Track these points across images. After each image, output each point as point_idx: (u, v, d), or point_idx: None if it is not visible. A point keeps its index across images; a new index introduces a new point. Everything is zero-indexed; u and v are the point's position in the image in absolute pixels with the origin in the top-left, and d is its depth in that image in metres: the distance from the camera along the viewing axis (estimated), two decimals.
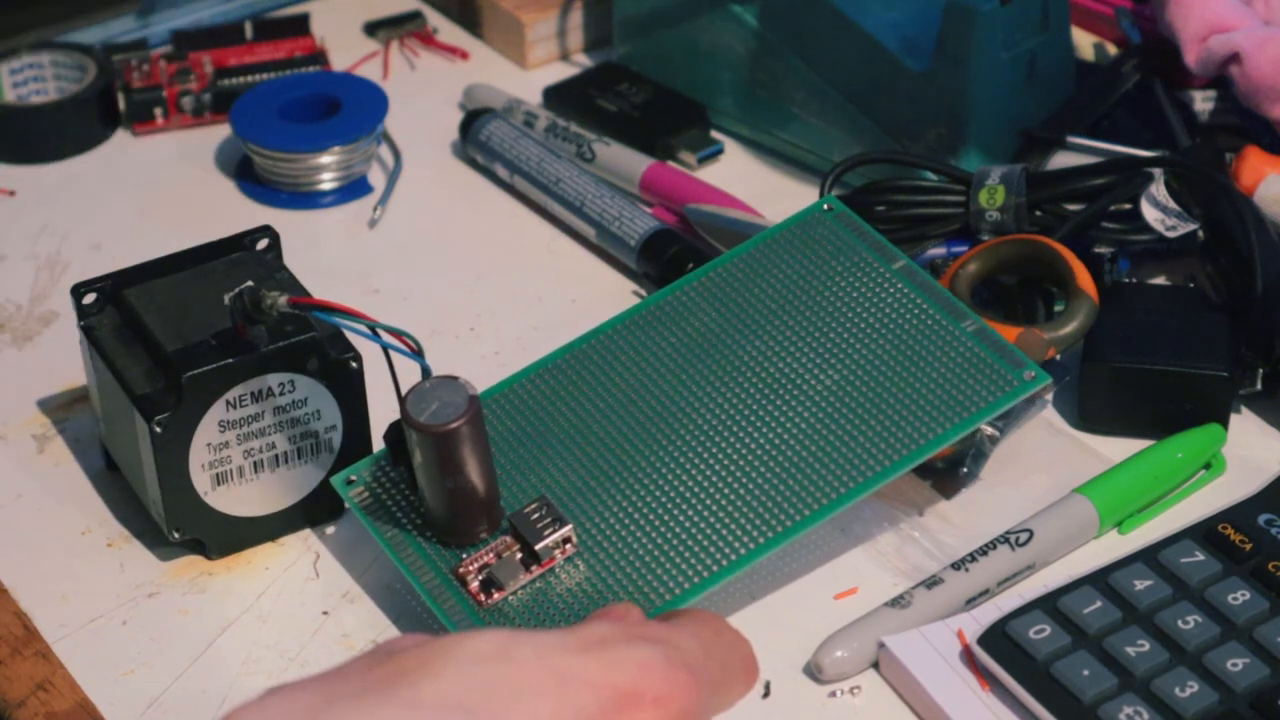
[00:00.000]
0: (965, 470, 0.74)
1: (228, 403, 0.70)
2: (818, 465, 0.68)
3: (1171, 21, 0.87)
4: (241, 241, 0.75)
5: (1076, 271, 0.78)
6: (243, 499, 0.72)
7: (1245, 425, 0.78)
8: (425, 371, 0.67)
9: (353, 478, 0.71)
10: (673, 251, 0.85)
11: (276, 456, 0.72)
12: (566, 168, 0.90)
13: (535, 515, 0.68)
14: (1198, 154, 0.86)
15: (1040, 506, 0.73)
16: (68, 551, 0.74)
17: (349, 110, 0.93)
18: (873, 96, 0.89)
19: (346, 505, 0.72)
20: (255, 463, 0.72)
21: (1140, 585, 0.69)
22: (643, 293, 0.86)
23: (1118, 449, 0.76)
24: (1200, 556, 0.70)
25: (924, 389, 0.70)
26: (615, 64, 1.00)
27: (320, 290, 0.75)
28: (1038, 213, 0.83)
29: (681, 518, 0.68)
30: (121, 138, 0.97)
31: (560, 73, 1.00)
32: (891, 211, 0.84)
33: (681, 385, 0.72)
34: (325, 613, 0.71)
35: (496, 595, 0.67)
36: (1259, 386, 0.77)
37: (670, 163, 0.93)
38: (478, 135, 0.94)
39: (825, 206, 0.77)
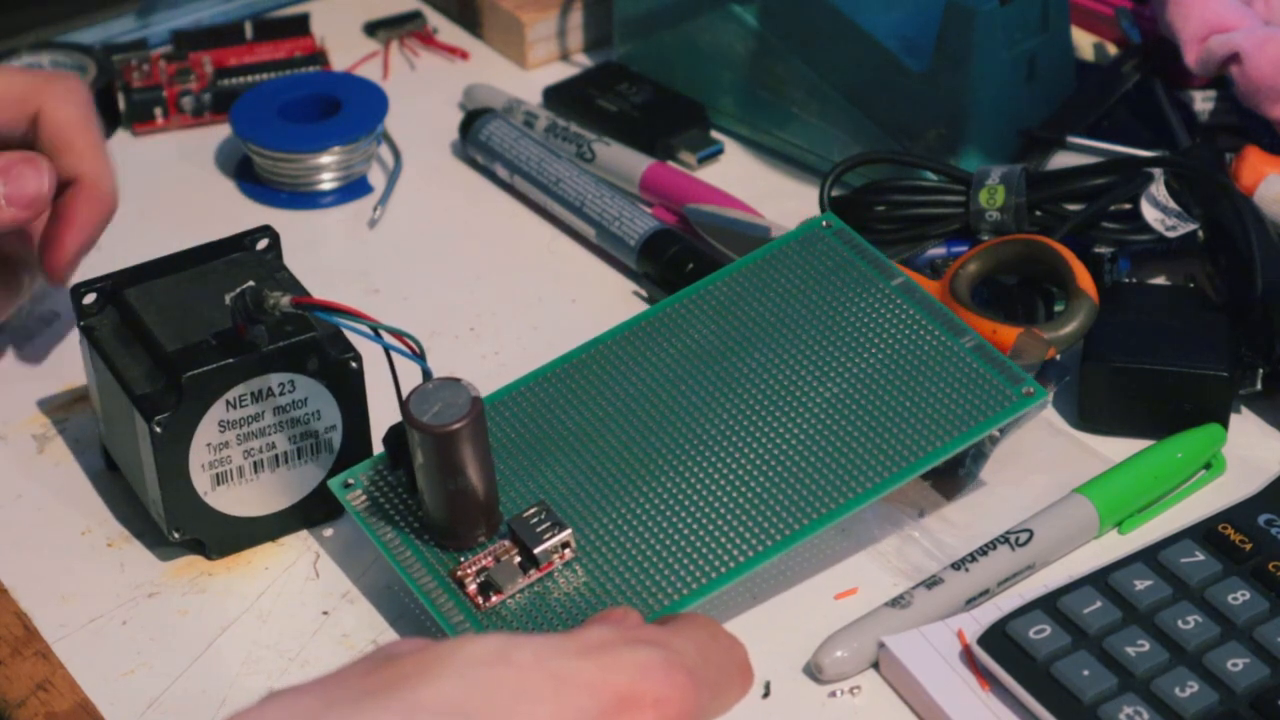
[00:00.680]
0: (965, 470, 0.74)
1: (228, 403, 0.70)
2: (816, 476, 0.68)
3: (1171, 21, 0.87)
4: (241, 241, 0.75)
5: (1076, 271, 0.78)
6: (243, 499, 0.72)
7: (1245, 425, 0.78)
8: (426, 374, 0.66)
9: (350, 481, 0.71)
10: (673, 251, 0.85)
11: (276, 456, 0.72)
12: (566, 168, 0.90)
13: (534, 519, 0.68)
14: (1198, 154, 0.86)
15: (1040, 506, 0.73)
16: (68, 551, 0.74)
17: (349, 110, 0.93)
18: (873, 96, 0.89)
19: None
20: (255, 463, 0.72)
21: (1140, 585, 0.69)
22: (643, 293, 0.86)
23: (1118, 449, 0.76)
24: (1200, 556, 0.70)
25: (922, 403, 0.70)
26: (615, 64, 1.00)
27: (320, 290, 0.75)
28: (1038, 213, 0.83)
29: (680, 524, 0.68)
30: (121, 138, 0.97)
31: (560, 73, 1.00)
32: (891, 211, 0.84)
33: (682, 395, 0.72)
34: (325, 613, 0.71)
35: (495, 598, 0.67)
36: (1259, 386, 0.77)
37: (670, 163, 0.93)
38: (478, 135, 0.94)
39: (824, 223, 0.77)
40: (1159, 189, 0.81)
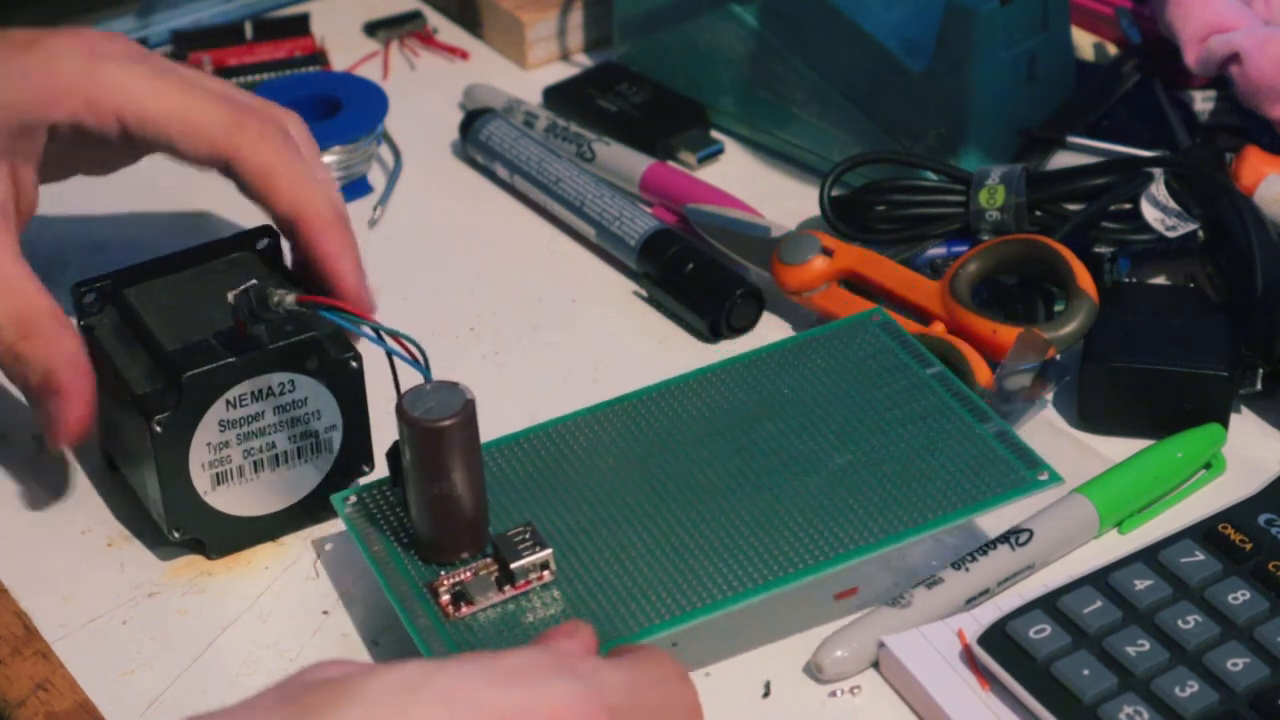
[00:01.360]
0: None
1: (228, 402, 0.70)
2: (809, 530, 0.68)
3: (1171, 21, 0.87)
4: (241, 241, 0.75)
5: (1076, 271, 0.78)
6: (243, 499, 0.72)
7: (1245, 425, 0.78)
8: (427, 379, 0.66)
9: (352, 498, 0.71)
10: (673, 251, 0.85)
11: (276, 456, 0.72)
12: (566, 168, 0.90)
13: (517, 537, 0.67)
14: (1198, 154, 0.86)
15: (1040, 506, 0.73)
16: (68, 551, 0.74)
17: (349, 110, 0.93)
18: (873, 96, 0.89)
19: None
20: (255, 462, 0.72)
21: (1140, 585, 0.69)
22: (643, 293, 0.86)
23: (1118, 449, 0.76)
24: (1200, 556, 0.70)
25: (932, 476, 0.70)
26: (615, 64, 1.00)
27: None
28: (1038, 213, 0.83)
29: (664, 560, 0.68)
30: None
31: (560, 73, 1.00)
32: (891, 211, 0.84)
33: (695, 454, 0.72)
34: (325, 612, 0.71)
35: (465, 609, 0.66)
36: (1259, 386, 0.77)
37: (670, 163, 0.93)
38: (478, 135, 0.94)
39: (874, 316, 0.77)
40: (1159, 189, 0.81)
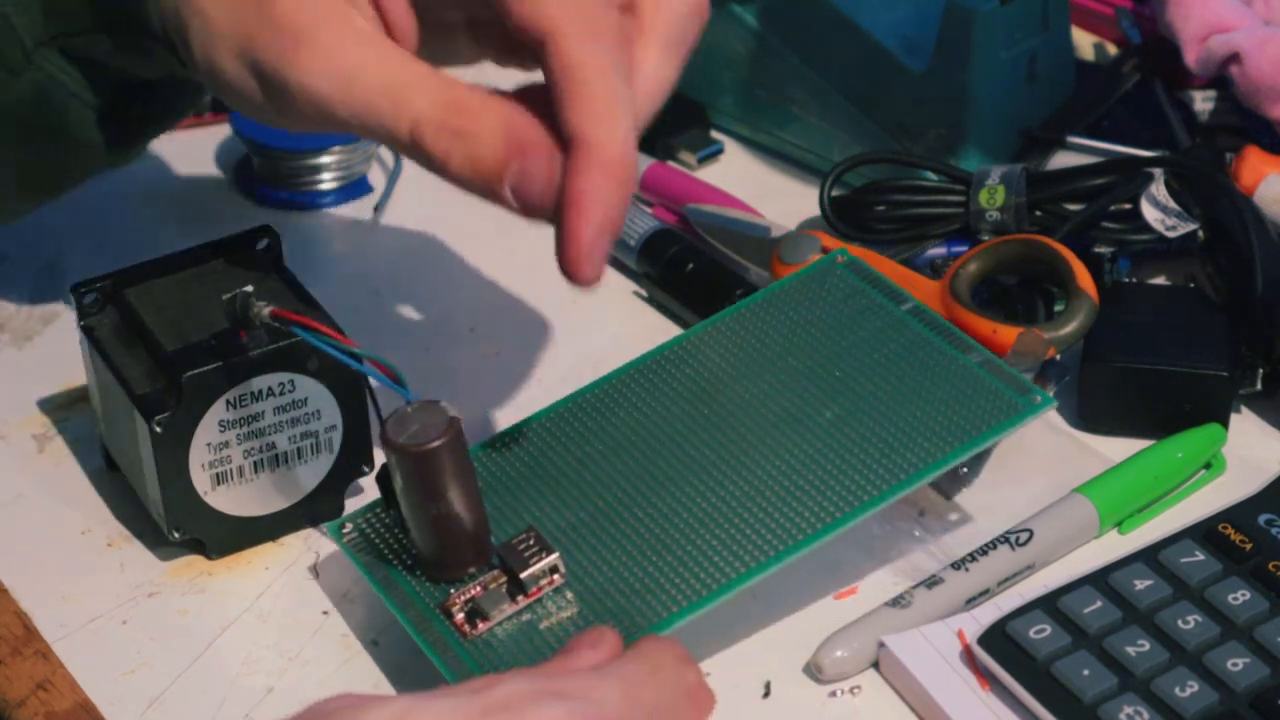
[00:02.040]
0: (965, 470, 0.74)
1: (228, 402, 0.70)
2: (813, 492, 0.68)
3: (1171, 21, 0.87)
4: (241, 241, 0.75)
5: (1076, 271, 0.78)
6: (243, 499, 0.72)
7: (1245, 425, 0.78)
8: (408, 401, 0.66)
9: (348, 526, 0.71)
10: (673, 251, 0.85)
11: (276, 456, 0.72)
12: None
13: (522, 545, 0.67)
14: (1198, 154, 0.86)
15: (1040, 506, 0.73)
16: (68, 551, 0.74)
17: None
18: (873, 96, 0.89)
19: (347, 514, 0.72)
20: (255, 463, 0.72)
21: (1140, 585, 0.69)
22: (643, 293, 0.86)
23: (1118, 449, 0.76)
24: (1200, 556, 0.70)
25: (926, 416, 0.69)
26: None
27: (320, 291, 0.75)
28: (1038, 213, 0.83)
29: (673, 545, 0.67)
30: None
31: None
32: (891, 211, 0.84)
33: (684, 428, 0.72)
34: (325, 613, 0.71)
35: (481, 626, 0.66)
36: (1259, 386, 0.77)
37: (670, 163, 0.93)
38: None
39: (838, 258, 0.77)
40: (1159, 189, 0.81)
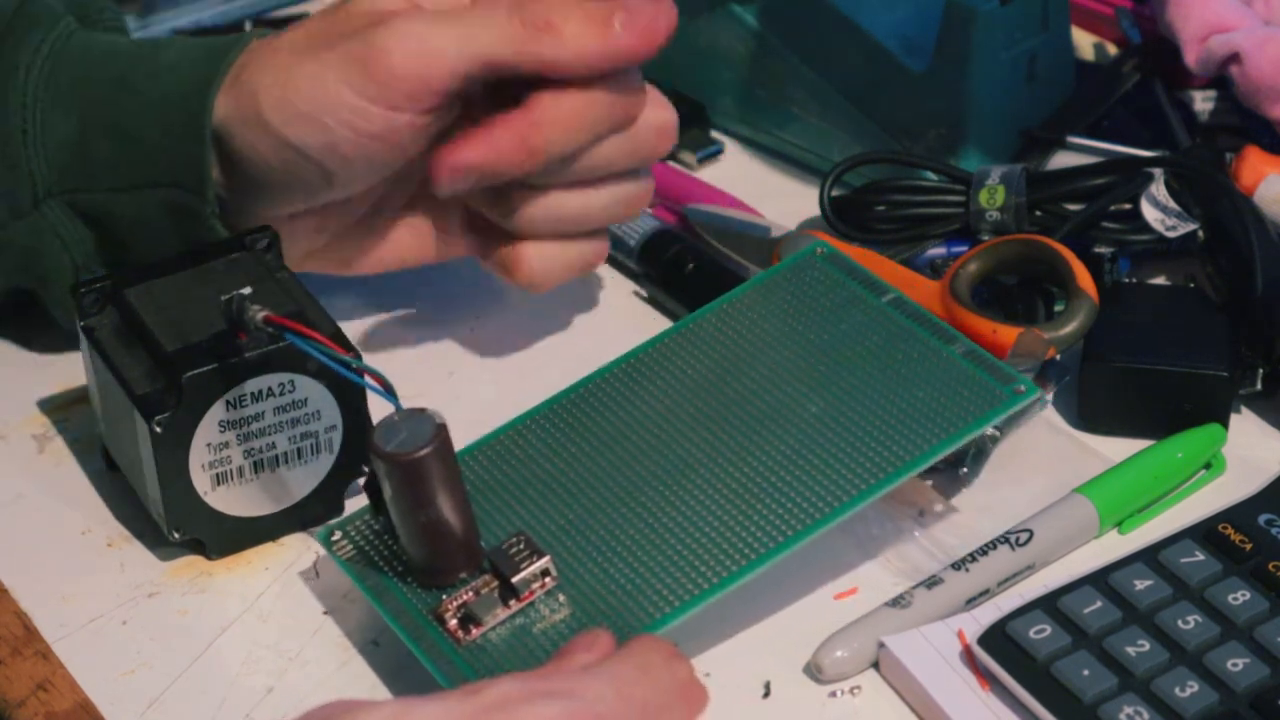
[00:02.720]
0: (965, 470, 0.74)
1: (228, 403, 0.70)
2: (801, 488, 0.68)
3: (1171, 21, 0.87)
4: (241, 241, 0.75)
5: (1076, 271, 0.78)
6: (243, 499, 0.72)
7: (1245, 425, 0.78)
8: (398, 409, 0.66)
9: (336, 534, 0.71)
10: (673, 251, 0.85)
11: (276, 456, 0.72)
12: None
13: (513, 549, 0.67)
14: (1198, 154, 0.86)
15: (1040, 506, 0.73)
16: (68, 551, 0.74)
17: None
18: (873, 96, 0.89)
19: (344, 516, 0.72)
20: (255, 463, 0.72)
21: (1140, 585, 0.69)
22: (643, 293, 0.86)
23: (1118, 449, 0.76)
24: (1200, 556, 0.70)
25: (913, 408, 0.69)
26: None
27: (320, 291, 0.75)
28: (1038, 213, 0.83)
29: (663, 544, 0.67)
30: None
31: None
32: (891, 211, 0.84)
33: (669, 425, 0.72)
34: (326, 613, 0.71)
35: (475, 631, 0.66)
36: (1259, 386, 0.77)
37: (670, 163, 0.93)
38: None
39: (817, 250, 0.77)
40: (1159, 189, 0.81)
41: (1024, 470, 0.76)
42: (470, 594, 0.67)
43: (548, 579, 0.67)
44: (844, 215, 0.85)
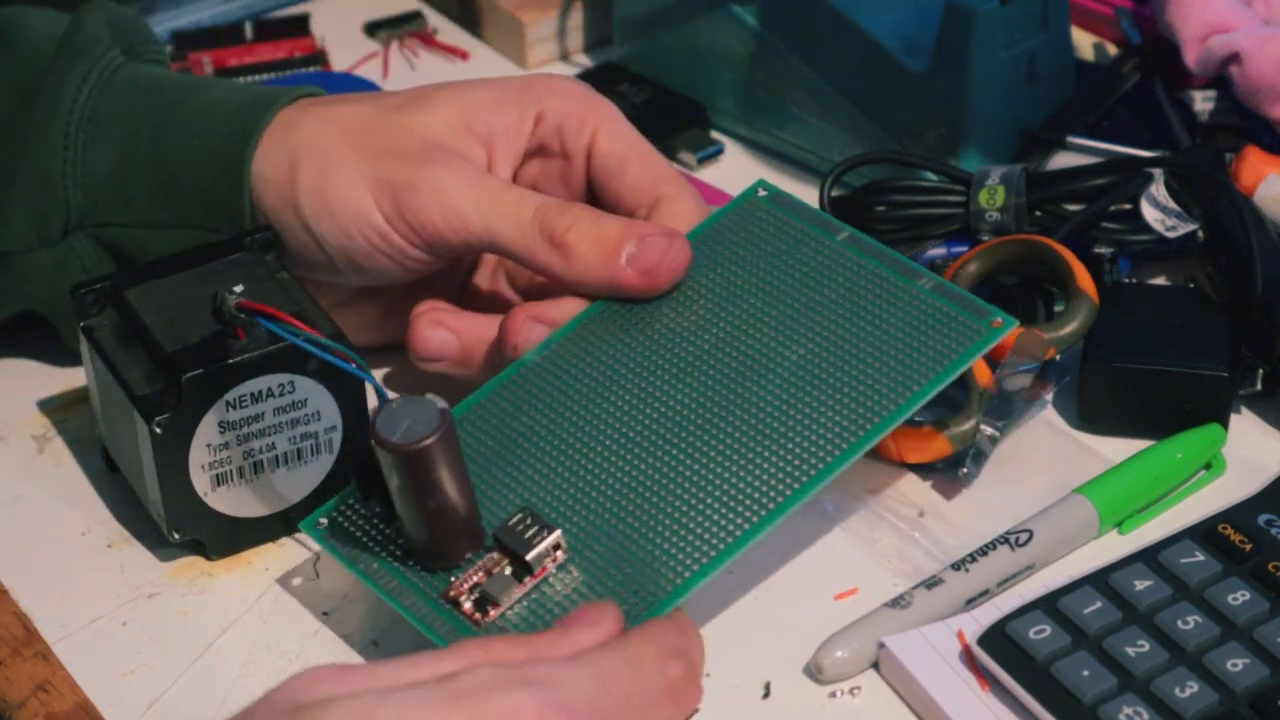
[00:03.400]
0: (965, 470, 0.74)
1: (227, 403, 0.70)
2: (799, 439, 0.68)
3: (1171, 21, 0.87)
4: (241, 242, 0.75)
5: (1076, 272, 0.78)
6: (243, 500, 0.72)
7: (1245, 425, 0.78)
8: (380, 394, 0.65)
9: (323, 520, 0.70)
10: None
11: (276, 457, 0.72)
12: None
13: (521, 527, 0.67)
14: (1198, 154, 0.86)
15: (1040, 506, 0.73)
16: (68, 552, 0.74)
17: None
18: (873, 96, 0.89)
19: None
20: (255, 463, 0.72)
21: (1140, 585, 0.69)
22: None
23: (1118, 449, 0.76)
24: (1200, 557, 0.70)
25: (894, 350, 0.69)
26: (615, 64, 1.00)
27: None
28: (1038, 213, 0.83)
29: (670, 508, 0.67)
30: None
31: (560, 73, 1.00)
32: (891, 211, 0.84)
33: (648, 381, 0.71)
34: (326, 614, 0.71)
35: (493, 612, 0.66)
36: (1259, 386, 0.77)
37: (670, 163, 0.93)
38: None
39: (760, 191, 0.76)
40: (1159, 189, 0.81)
41: (1024, 470, 0.76)
42: (480, 574, 0.67)
43: (559, 552, 0.67)
44: (844, 215, 0.85)
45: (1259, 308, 0.77)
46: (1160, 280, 0.84)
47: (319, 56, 1.01)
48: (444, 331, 0.75)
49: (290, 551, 0.74)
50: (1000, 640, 0.67)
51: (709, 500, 0.67)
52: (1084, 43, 0.98)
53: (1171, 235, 0.80)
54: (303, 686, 0.56)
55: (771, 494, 0.66)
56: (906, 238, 0.84)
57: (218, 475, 0.71)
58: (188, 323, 0.71)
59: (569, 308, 0.74)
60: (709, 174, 0.93)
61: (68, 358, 0.81)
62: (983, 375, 0.75)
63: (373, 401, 0.69)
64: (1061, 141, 0.89)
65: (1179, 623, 0.67)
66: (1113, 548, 0.72)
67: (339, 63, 1.02)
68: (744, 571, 0.67)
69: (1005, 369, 0.75)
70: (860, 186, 0.85)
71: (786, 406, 0.69)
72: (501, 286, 0.80)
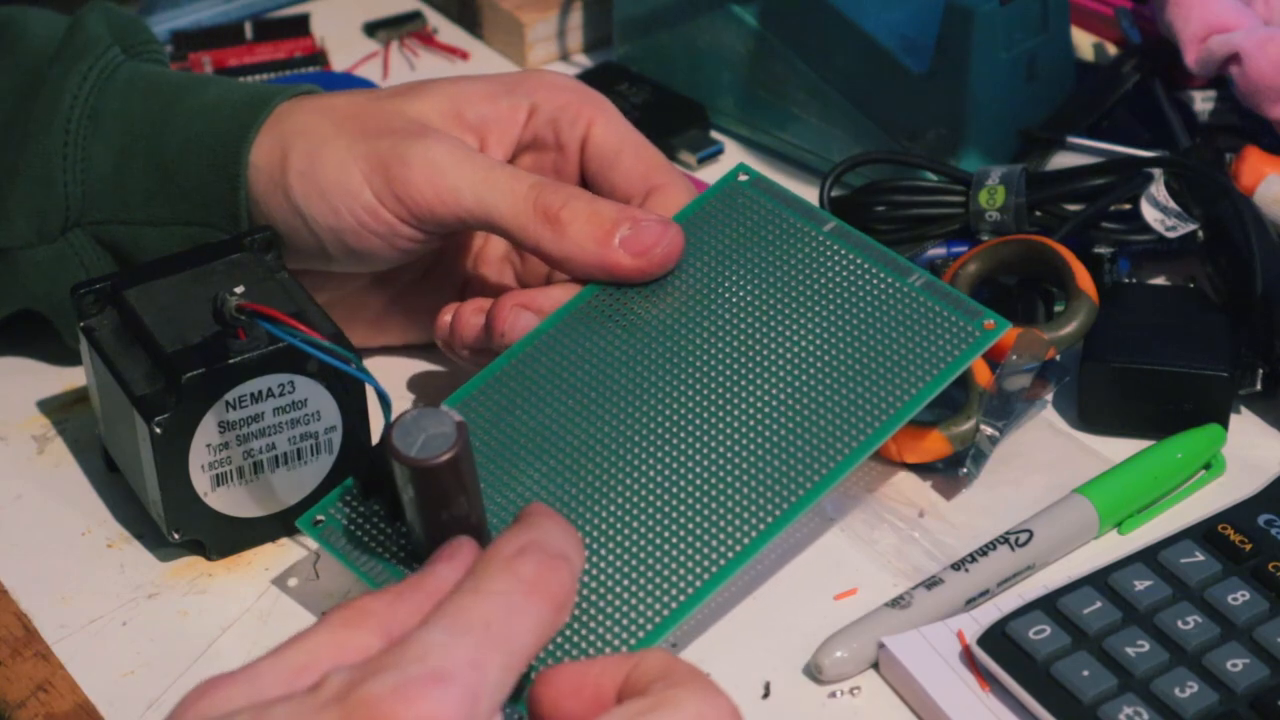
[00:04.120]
0: (965, 470, 0.74)
1: (227, 404, 0.70)
2: (801, 442, 0.67)
3: (1171, 21, 0.87)
4: (241, 242, 0.75)
5: (1076, 272, 0.78)
6: (242, 500, 0.72)
7: (1245, 425, 0.78)
8: (381, 394, 0.65)
9: (320, 517, 0.70)
10: None
11: (276, 457, 0.72)
12: None
13: None
14: (1198, 154, 0.86)
15: (1040, 506, 0.73)
16: (68, 552, 0.74)
17: None
18: (873, 96, 0.89)
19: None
20: (255, 463, 0.72)
21: (1140, 585, 0.69)
22: None
23: (1118, 449, 0.76)
24: (1200, 557, 0.70)
25: (888, 351, 0.69)
26: (615, 64, 1.00)
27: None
28: (1038, 213, 0.83)
29: (676, 511, 0.67)
30: None
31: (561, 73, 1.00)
32: (891, 211, 0.84)
33: (641, 375, 0.71)
34: (326, 614, 0.71)
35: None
36: (1259, 386, 0.77)
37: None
38: None
39: (741, 175, 0.76)
40: (1159, 189, 0.81)
41: (1024, 470, 0.76)
42: None
43: None
44: (844, 215, 0.85)
45: (1259, 308, 0.77)
46: (1160, 280, 0.84)
47: (319, 57, 1.01)
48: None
49: (290, 551, 0.74)
50: (1000, 640, 0.67)
51: (716, 506, 0.67)
52: (1084, 43, 0.98)
53: (1171, 235, 0.80)
54: (194, 707, 0.53)
55: (777, 500, 0.66)
56: (906, 238, 0.84)
57: (217, 475, 0.71)
58: (188, 323, 0.71)
59: (557, 296, 0.74)
60: (709, 174, 0.93)
61: (68, 358, 0.81)
62: (983, 375, 0.75)
63: (373, 401, 0.70)
64: (1061, 141, 0.89)
65: (1179, 623, 0.67)
66: (1113, 548, 0.73)
67: (339, 63, 1.02)
68: (744, 571, 0.67)
69: (1005, 369, 0.75)
70: (860, 186, 0.86)
71: (786, 409, 0.69)
72: (506, 281, 0.80)
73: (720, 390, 0.70)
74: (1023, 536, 0.71)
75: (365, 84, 0.95)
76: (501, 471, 0.70)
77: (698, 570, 0.65)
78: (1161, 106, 0.90)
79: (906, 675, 0.67)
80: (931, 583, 0.70)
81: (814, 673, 0.68)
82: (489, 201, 0.73)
